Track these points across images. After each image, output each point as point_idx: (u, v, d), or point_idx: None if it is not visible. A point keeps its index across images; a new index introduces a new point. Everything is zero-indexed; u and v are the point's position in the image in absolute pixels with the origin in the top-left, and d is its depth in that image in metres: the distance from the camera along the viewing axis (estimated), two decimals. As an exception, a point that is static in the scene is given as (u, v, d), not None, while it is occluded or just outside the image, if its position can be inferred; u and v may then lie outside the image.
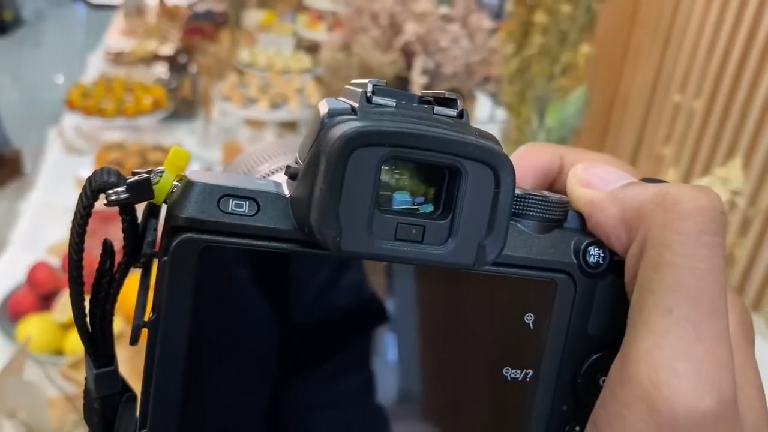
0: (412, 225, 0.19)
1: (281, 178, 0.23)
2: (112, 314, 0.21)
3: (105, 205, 0.20)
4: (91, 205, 0.20)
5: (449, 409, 0.21)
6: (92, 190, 0.20)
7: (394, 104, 0.19)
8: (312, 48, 2.55)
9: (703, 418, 0.16)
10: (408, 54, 1.54)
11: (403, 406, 0.21)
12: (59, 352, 1.02)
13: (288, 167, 0.21)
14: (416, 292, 0.21)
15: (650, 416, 0.16)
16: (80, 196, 0.20)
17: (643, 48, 2.74)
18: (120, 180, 0.20)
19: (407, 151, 0.18)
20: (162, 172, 0.20)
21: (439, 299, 0.21)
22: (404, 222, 0.19)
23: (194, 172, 0.20)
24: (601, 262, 0.21)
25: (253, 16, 2.95)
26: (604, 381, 0.20)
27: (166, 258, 0.19)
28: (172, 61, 2.40)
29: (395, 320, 0.21)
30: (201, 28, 2.76)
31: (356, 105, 0.19)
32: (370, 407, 0.21)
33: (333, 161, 0.18)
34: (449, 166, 0.19)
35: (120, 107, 1.91)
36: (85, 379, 0.23)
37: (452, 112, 0.20)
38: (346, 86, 0.21)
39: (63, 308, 1.05)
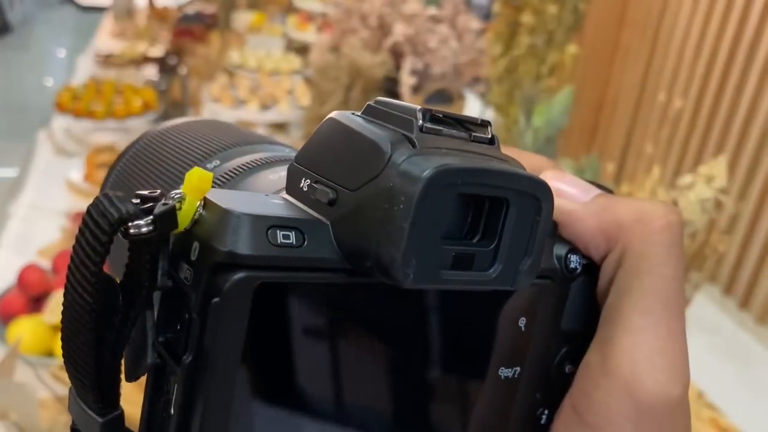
0: (465, 254, 0.20)
1: (271, 182, 0.24)
2: (121, 356, 0.20)
3: (124, 238, 0.18)
4: (111, 242, 0.18)
5: (454, 410, 0.23)
6: (113, 223, 0.17)
7: (442, 131, 0.20)
8: (302, 49, 2.55)
9: (673, 403, 0.19)
10: (397, 55, 1.54)
11: (424, 411, 0.23)
12: (50, 353, 1.02)
13: (310, 185, 0.20)
14: (439, 309, 0.22)
15: (631, 403, 0.19)
16: (90, 231, 0.18)
17: (632, 48, 2.76)
18: (138, 210, 0.18)
19: (475, 187, 0.19)
20: (180, 196, 0.19)
21: (455, 313, 0.22)
22: (459, 252, 0.20)
23: (213, 194, 0.19)
24: (578, 267, 0.23)
25: (243, 18, 2.95)
26: (570, 369, 0.22)
27: (217, 299, 0.18)
28: (161, 63, 2.40)
29: (425, 336, 0.22)
30: (191, 29, 2.76)
31: (411, 135, 0.19)
32: (408, 417, 0.22)
33: (416, 201, 0.18)
34: (503, 197, 0.20)
35: (110, 109, 1.91)
36: (73, 426, 0.20)
37: (486, 136, 0.21)
38: (375, 105, 0.21)
39: (53, 310, 1.05)
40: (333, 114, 0.21)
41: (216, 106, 1.93)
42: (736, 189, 2.19)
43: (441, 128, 0.20)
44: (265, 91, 2.03)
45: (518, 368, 0.23)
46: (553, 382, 0.23)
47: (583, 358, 0.21)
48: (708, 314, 2.15)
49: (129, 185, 0.32)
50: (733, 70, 2.26)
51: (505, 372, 0.22)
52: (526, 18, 1.15)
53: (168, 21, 3.04)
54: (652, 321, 0.19)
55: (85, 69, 2.57)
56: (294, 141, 1.88)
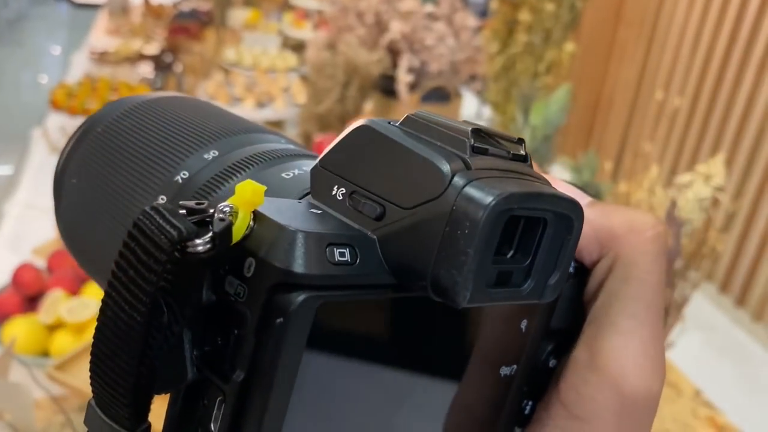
0: (506, 271, 0.20)
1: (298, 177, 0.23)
2: (155, 371, 0.19)
3: (181, 258, 0.17)
4: (169, 263, 0.17)
5: (460, 408, 0.23)
6: (173, 243, 0.17)
7: (488, 150, 0.20)
8: (298, 47, 2.55)
9: (652, 397, 0.21)
10: (394, 52, 1.54)
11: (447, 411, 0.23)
12: (45, 353, 1.02)
13: (349, 196, 0.20)
14: (464, 316, 0.22)
15: (617, 398, 0.21)
16: (144, 249, 0.17)
17: (628, 46, 2.76)
18: (196, 228, 0.17)
19: (525, 210, 0.19)
20: (230, 209, 0.18)
21: (476, 318, 0.23)
22: (502, 270, 0.20)
23: (266, 207, 0.19)
24: (573, 271, 0.24)
25: (239, 15, 2.94)
26: (553, 363, 0.24)
27: (281, 320, 0.17)
28: (157, 61, 2.39)
29: (455, 343, 0.23)
30: (186, 27, 2.75)
31: (464, 155, 0.19)
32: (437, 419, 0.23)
33: (481, 228, 0.18)
34: (541, 217, 0.20)
35: (105, 107, 1.90)
36: None
37: (522, 154, 0.21)
38: (416, 118, 0.20)
39: (48, 309, 1.05)
40: (367, 122, 0.20)
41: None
42: (733, 187, 2.19)
43: (487, 147, 0.20)
44: (261, 89, 2.02)
45: (515, 366, 0.23)
46: (539, 375, 0.24)
47: (570, 355, 0.23)
48: (704, 312, 2.15)
49: (103, 172, 0.28)
50: (730, 67, 2.27)
51: (505, 371, 0.23)
52: (524, 15, 1.15)
53: (163, 18, 3.03)
54: (638, 324, 0.21)
55: (79, 66, 2.56)
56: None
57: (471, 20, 1.55)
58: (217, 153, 0.27)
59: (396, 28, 1.49)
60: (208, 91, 1.98)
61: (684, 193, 0.81)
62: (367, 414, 0.21)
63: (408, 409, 0.22)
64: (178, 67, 2.26)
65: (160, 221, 0.17)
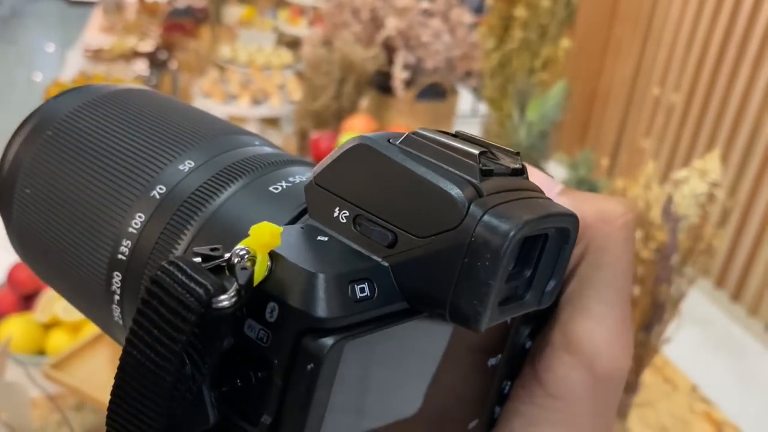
0: (512, 287, 0.21)
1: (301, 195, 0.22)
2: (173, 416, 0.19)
3: (204, 316, 0.17)
4: (199, 322, 0.16)
5: (455, 404, 0.24)
6: (202, 303, 0.16)
7: (493, 171, 0.20)
8: (293, 43, 2.54)
9: (622, 374, 0.22)
10: (389, 49, 1.54)
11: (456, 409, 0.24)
12: (41, 352, 1.02)
13: (353, 220, 0.20)
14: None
15: (591, 376, 0.22)
16: (169, 308, 0.16)
17: (624, 42, 2.76)
18: (222, 282, 0.17)
19: (536, 231, 0.20)
20: (246, 252, 0.18)
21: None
22: (510, 287, 0.20)
23: (283, 248, 0.18)
24: None
25: (234, 12, 2.94)
26: (528, 345, 0.25)
27: (311, 365, 0.17)
28: (152, 58, 2.38)
29: (463, 350, 0.23)
30: (181, 24, 2.74)
31: (475, 181, 0.19)
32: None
33: (501, 259, 0.18)
34: (545, 233, 0.20)
35: (100, 105, 1.89)
36: None
37: (519, 167, 0.21)
38: (417, 138, 0.20)
39: (44, 308, 1.04)
40: (365, 141, 0.20)
41: (207, 101, 1.92)
42: (728, 182, 2.19)
43: (492, 168, 0.20)
44: (257, 86, 2.02)
45: (500, 355, 0.24)
46: (516, 357, 0.25)
47: (545, 337, 0.24)
48: (700, 307, 2.15)
49: (65, 183, 0.26)
50: (725, 63, 2.27)
51: (492, 361, 0.24)
52: (519, 12, 1.15)
53: (158, 15, 3.02)
54: (609, 308, 0.22)
55: (74, 64, 2.55)
56: (286, 136, 1.87)
57: (467, 17, 1.55)
58: (192, 164, 0.25)
59: (391, 25, 1.48)
60: (203, 88, 1.98)
61: (680, 189, 0.81)
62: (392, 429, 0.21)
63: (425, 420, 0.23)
64: (173, 65, 2.25)
65: (183, 279, 0.17)
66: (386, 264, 0.19)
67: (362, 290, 0.18)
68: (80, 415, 0.92)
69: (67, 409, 0.93)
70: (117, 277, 0.24)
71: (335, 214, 0.20)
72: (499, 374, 0.24)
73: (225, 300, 0.17)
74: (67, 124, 0.27)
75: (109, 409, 0.18)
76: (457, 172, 0.19)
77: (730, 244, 2.22)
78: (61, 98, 0.29)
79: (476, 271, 0.18)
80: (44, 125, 0.28)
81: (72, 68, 2.48)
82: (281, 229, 0.18)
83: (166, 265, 0.17)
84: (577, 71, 2.65)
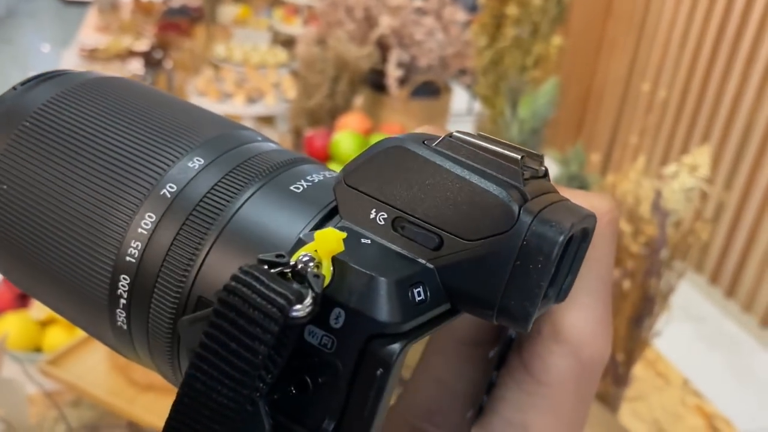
0: None
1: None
2: None
3: (281, 327, 0.16)
4: (282, 334, 0.16)
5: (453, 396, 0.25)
6: (285, 311, 0.16)
7: (530, 176, 0.20)
8: (288, 42, 2.55)
9: (604, 361, 0.24)
10: (383, 47, 1.54)
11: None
12: (38, 349, 1.02)
13: (393, 222, 0.20)
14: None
15: (578, 364, 0.23)
16: (248, 318, 0.16)
17: (617, 39, 2.77)
18: (299, 289, 0.17)
19: (573, 233, 0.20)
20: (311, 259, 0.18)
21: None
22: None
23: (347, 254, 0.18)
24: None
25: (229, 11, 2.94)
26: (515, 335, 0.25)
27: (381, 370, 0.17)
28: (147, 57, 2.39)
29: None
30: (176, 23, 2.74)
31: (520, 186, 0.19)
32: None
33: (554, 262, 0.19)
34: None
35: (95, 104, 1.89)
36: None
37: (544, 168, 0.21)
38: (456, 142, 0.20)
39: (40, 305, 1.05)
40: (403, 143, 0.20)
41: (202, 100, 1.92)
42: (722, 178, 2.20)
43: (528, 173, 0.20)
44: (252, 85, 2.02)
45: (497, 347, 0.25)
46: (504, 347, 0.25)
47: (532, 327, 0.25)
48: (694, 303, 2.17)
49: (50, 178, 0.24)
50: (719, 60, 2.28)
51: (491, 353, 0.25)
52: (511, 10, 1.15)
53: (153, 14, 3.02)
54: (594, 299, 0.23)
55: (69, 63, 2.55)
56: (281, 134, 1.88)
57: (460, 15, 1.56)
58: (201, 161, 0.23)
59: (385, 23, 1.49)
60: (199, 87, 1.98)
61: (669, 184, 0.82)
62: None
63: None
64: (168, 64, 2.25)
65: (262, 288, 0.16)
66: (432, 266, 0.20)
67: (419, 294, 0.19)
68: (77, 411, 0.93)
69: (64, 405, 0.93)
70: (124, 280, 0.23)
71: (371, 216, 0.20)
72: (493, 363, 0.25)
73: (302, 309, 0.17)
74: (48, 114, 0.25)
75: (170, 422, 0.17)
76: (501, 176, 0.19)
77: (724, 240, 2.23)
78: (33, 86, 0.26)
79: (527, 275, 0.19)
80: (17, 115, 0.25)
81: (67, 68, 2.47)
82: (344, 234, 0.18)
83: (241, 275, 0.17)
84: (572, 69, 2.66)
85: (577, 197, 0.23)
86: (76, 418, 0.92)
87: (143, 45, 2.56)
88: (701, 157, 0.86)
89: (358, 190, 0.20)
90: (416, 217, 0.20)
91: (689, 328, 1.98)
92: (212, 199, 0.22)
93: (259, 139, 0.26)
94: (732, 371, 1.85)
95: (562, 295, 0.22)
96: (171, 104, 0.26)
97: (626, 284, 0.85)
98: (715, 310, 2.18)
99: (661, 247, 0.81)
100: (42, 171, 0.24)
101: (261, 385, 0.17)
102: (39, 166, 0.24)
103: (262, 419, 0.18)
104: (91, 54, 2.49)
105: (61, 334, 1.02)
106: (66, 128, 0.24)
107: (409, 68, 1.52)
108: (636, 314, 0.86)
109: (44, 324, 1.04)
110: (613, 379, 0.92)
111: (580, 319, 0.23)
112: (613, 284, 0.87)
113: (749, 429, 1.36)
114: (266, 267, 0.17)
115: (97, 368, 0.91)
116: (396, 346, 0.18)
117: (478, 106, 1.68)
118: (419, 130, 0.24)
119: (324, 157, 1.43)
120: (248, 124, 1.91)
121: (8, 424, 0.83)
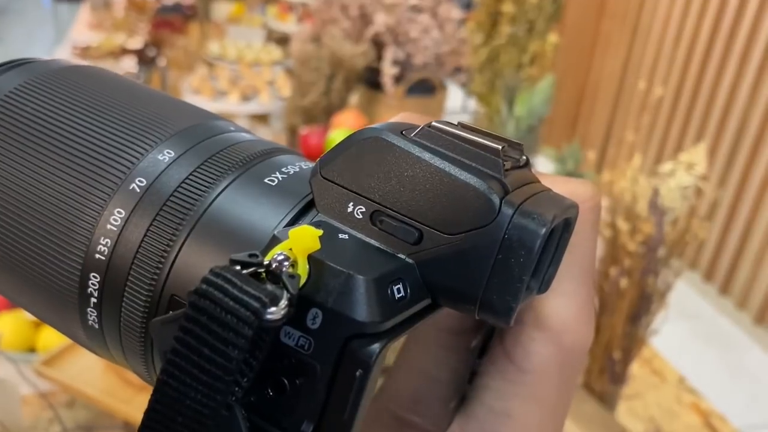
0: None
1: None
2: None
3: (255, 330, 0.16)
4: (255, 337, 0.16)
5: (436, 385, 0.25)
6: (260, 315, 0.16)
7: (511, 167, 0.20)
8: (282, 40, 2.54)
9: (587, 348, 0.24)
10: (378, 45, 1.54)
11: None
12: (32, 349, 1.02)
13: (371, 215, 0.19)
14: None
15: (560, 351, 0.23)
16: (221, 323, 0.16)
17: (612, 37, 2.77)
18: (274, 291, 0.16)
19: (556, 225, 0.19)
20: (286, 258, 0.17)
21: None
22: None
23: (323, 252, 0.18)
24: None
25: (223, 9, 2.93)
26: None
27: (361, 371, 0.17)
28: (140, 55, 2.37)
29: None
30: (170, 21, 2.73)
31: (501, 177, 0.19)
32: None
33: (537, 255, 0.18)
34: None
35: (88, 102, 1.88)
36: None
37: (525, 158, 0.21)
38: (434, 131, 0.19)
39: (34, 305, 1.04)
40: (378, 133, 0.19)
41: (196, 98, 1.91)
42: (716, 176, 2.21)
43: (509, 163, 0.20)
44: (246, 83, 2.02)
45: (479, 336, 0.24)
46: (487, 336, 0.25)
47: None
48: (689, 300, 2.17)
49: (15, 173, 0.23)
50: (713, 57, 2.28)
51: (474, 342, 0.24)
52: (507, 7, 1.15)
53: (146, 12, 3.01)
54: (577, 286, 0.23)
55: (62, 61, 2.53)
56: (275, 132, 1.87)
57: (455, 12, 1.55)
58: (172, 153, 0.22)
59: (380, 21, 1.49)
60: (193, 84, 1.98)
61: (666, 182, 0.82)
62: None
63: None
64: (162, 62, 2.24)
65: (235, 291, 0.16)
66: (412, 261, 0.19)
67: (398, 291, 0.18)
68: (71, 411, 0.92)
69: (58, 405, 0.93)
70: (95, 278, 0.22)
71: (349, 210, 0.19)
72: (475, 354, 0.25)
73: (277, 311, 0.16)
74: (13, 104, 0.24)
75: (143, 428, 0.17)
76: (481, 167, 0.19)
77: (718, 238, 2.23)
78: None
79: (509, 268, 0.18)
80: None
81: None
82: (320, 232, 0.18)
83: (213, 277, 0.16)
84: (566, 67, 2.66)
85: (558, 184, 0.22)
86: (71, 418, 0.91)
87: (137, 43, 2.54)
88: (697, 154, 0.86)
89: (335, 183, 0.20)
90: (395, 211, 0.19)
91: (684, 326, 1.98)
92: (183, 194, 0.22)
93: (233, 129, 0.25)
94: (726, 367, 1.85)
95: (544, 286, 0.21)
96: (141, 94, 0.25)
97: (623, 282, 0.85)
98: (710, 307, 2.19)
99: (659, 246, 0.81)
100: (5, 165, 0.23)
101: (236, 389, 0.17)
102: (2, 160, 0.23)
103: (238, 423, 0.17)
104: (84, 52, 2.48)
105: (56, 335, 1.01)
106: (31, 120, 0.23)
107: (404, 66, 1.51)
108: (633, 312, 0.86)
109: (38, 324, 1.04)
110: (610, 378, 0.92)
111: (562, 306, 0.23)
112: (610, 282, 0.87)
113: (744, 425, 1.37)
114: (239, 268, 0.17)
115: (92, 368, 0.91)
116: (376, 347, 0.17)
117: (473, 103, 1.67)
118: (397, 118, 0.23)
119: (319, 156, 1.43)
120: (243, 122, 1.90)
121: (2, 426, 0.82)
